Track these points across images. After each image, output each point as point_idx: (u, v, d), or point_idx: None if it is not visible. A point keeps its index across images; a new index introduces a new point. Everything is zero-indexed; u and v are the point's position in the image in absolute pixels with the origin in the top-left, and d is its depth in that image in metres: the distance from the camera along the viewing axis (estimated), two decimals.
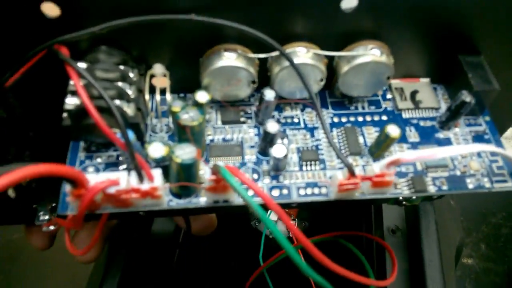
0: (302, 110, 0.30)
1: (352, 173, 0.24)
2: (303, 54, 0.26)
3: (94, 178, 0.23)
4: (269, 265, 0.42)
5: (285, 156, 0.25)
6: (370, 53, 0.26)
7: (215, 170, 0.23)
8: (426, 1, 0.25)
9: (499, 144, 0.29)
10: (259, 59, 0.27)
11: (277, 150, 0.25)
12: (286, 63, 0.26)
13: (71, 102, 0.24)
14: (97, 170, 0.26)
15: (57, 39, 0.23)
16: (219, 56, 0.26)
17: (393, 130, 0.26)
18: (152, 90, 0.27)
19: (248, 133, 0.28)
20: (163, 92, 0.28)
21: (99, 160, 0.26)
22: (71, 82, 0.25)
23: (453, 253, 0.52)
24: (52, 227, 0.32)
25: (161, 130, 0.28)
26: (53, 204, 0.32)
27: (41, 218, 0.31)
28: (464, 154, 0.28)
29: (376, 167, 0.25)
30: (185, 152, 0.23)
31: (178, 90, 0.30)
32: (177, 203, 0.25)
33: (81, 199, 0.23)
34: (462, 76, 0.29)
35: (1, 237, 0.74)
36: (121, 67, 0.26)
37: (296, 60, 0.26)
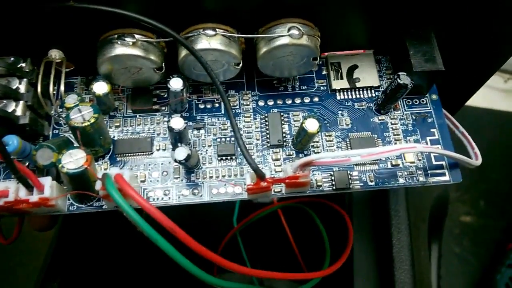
0: (226, 92, 0.27)
1: (260, 177, 0.22)
2: (209, 37, 0.23)
3: None
4: (242, 227, 0.42)
5: (187, 158, 0.22)
6: (287, 34, 0.23)
7: (103, 180, 0.21)
8: None
9: (442, 128, 0.26)
10: (166, 43, 0.24)
11: (178, 153, 0.22)
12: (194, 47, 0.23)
13: None
14: None
15: None
16: (112, 43, 0.23)
17: (311, 125, 0.23)
18: (54, 76, 0.25)
19: (161, 122, 0.26)
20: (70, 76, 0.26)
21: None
22: None
23: (426, 201, 0.51)
24: None
25: (65, 123, 0.26)
26: None
27: None
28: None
29: (289, 168, 0.22)
30: (73, 160, 0.21)
31: (85, 73, 0.27)
32: (78, 208, 0.24)
33: None
34: (404, 52, 0.25)
35: None
36: (11, 58, 0.24)
37: (201, 46, 0.23)
